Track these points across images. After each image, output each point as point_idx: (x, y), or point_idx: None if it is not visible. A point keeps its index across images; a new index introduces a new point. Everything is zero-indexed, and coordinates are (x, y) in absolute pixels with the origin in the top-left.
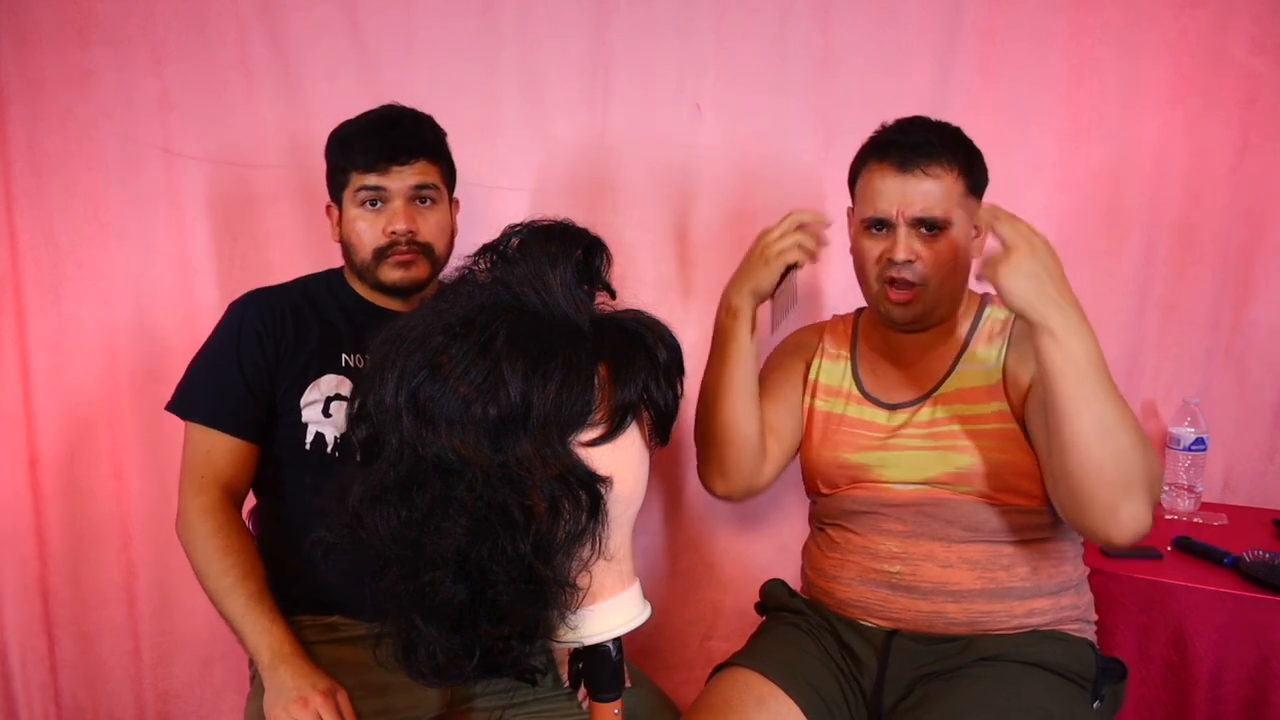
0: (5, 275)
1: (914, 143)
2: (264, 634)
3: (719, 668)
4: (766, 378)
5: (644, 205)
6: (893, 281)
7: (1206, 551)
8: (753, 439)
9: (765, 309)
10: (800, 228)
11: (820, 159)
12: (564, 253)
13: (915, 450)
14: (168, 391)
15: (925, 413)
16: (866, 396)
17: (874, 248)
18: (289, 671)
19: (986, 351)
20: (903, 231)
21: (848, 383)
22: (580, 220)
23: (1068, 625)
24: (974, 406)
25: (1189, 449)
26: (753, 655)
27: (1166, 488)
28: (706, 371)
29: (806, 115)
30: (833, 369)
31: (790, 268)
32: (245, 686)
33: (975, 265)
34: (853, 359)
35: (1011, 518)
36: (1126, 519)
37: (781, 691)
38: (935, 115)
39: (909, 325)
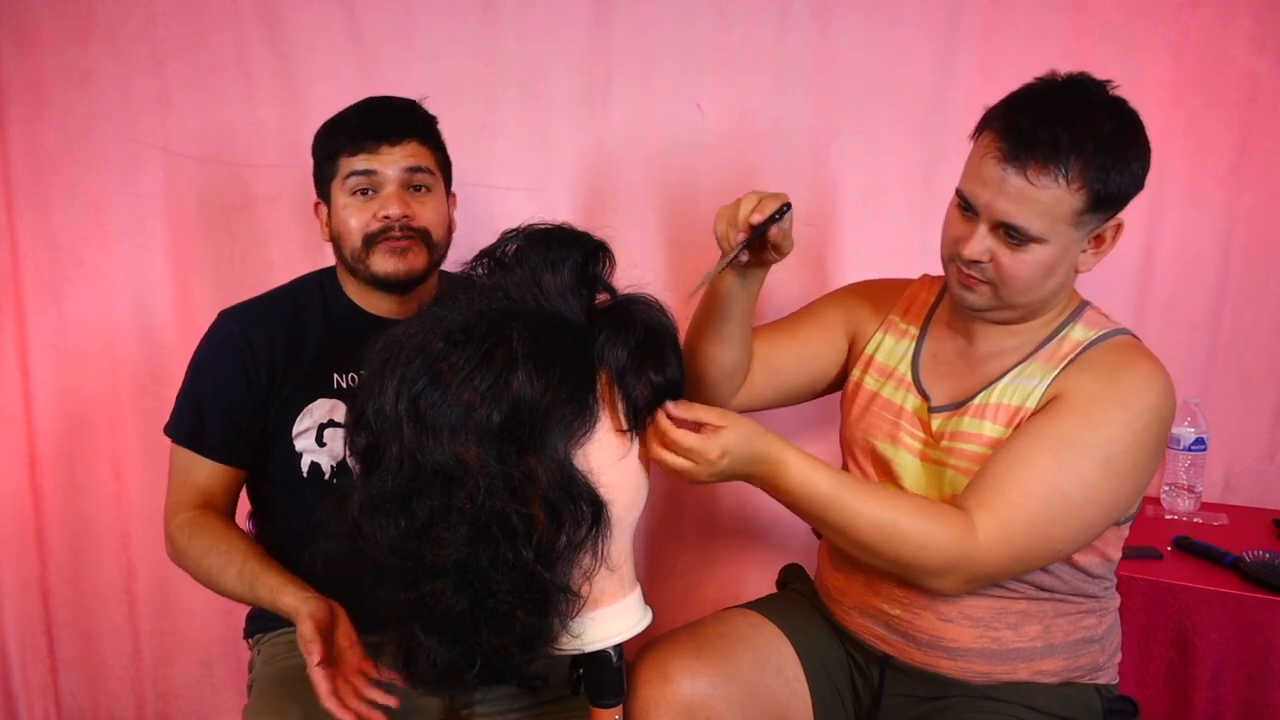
0: (5, 275)
1: (1036, 135)
2: (276, 594)
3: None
4: (808, 309)
5: (644, 205)
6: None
7: (1207, 551)
8: (716, 374)
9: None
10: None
11: (820, 159)
12: (561, 258)
13: (934, 465)
14: (168, 392)
15: (954, 422)
16: (917, 386)
17: (955, 225)
18: (283, 607)
19: (1041, 369)
20: (982, 230)
21: (904, 366)
22: (580, 220)
23: (1080, 678)
24: (999, 429)
25: (1189, 449)
26: (757, 603)
27: (1166, 487)
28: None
29: (806, 115)
30: (894, 348)
31: (775, 217)
32: (244, 687)
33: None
34: (920, 340)
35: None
36: (941, 591)
37: (778, 629)
38: (935, 115)
39: (979, 313)
